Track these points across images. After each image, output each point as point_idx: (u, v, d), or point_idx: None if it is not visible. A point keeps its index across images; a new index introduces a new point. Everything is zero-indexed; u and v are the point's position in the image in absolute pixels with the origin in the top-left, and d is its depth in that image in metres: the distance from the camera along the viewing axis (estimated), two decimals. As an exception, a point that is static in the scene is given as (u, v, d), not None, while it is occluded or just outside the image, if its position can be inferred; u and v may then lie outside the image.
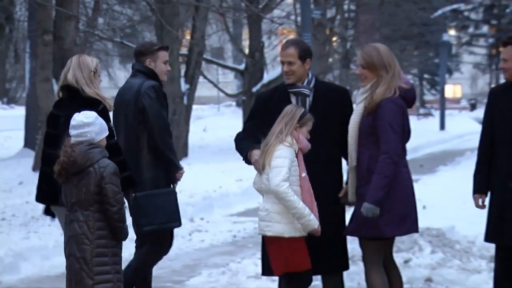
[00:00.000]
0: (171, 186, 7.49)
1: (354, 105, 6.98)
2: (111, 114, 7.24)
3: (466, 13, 45.22)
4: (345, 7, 33.19)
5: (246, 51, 27.95)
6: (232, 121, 35.73)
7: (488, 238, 6.95)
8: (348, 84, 31.98)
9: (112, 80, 39.88)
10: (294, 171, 6.66)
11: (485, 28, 45.65)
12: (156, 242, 7.51)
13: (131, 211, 7.40)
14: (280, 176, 6.54)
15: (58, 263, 9.59)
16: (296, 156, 6.69)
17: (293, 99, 6.96)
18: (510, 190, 6.69)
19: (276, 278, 8.97)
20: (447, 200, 12.12)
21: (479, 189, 6.93)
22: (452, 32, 45.93)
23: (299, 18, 25.84)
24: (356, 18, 31.87)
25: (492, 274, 8.66)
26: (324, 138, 6.89)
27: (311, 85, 6.99)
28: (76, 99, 6.96)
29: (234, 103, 52.04)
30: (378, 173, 6.58)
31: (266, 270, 7.05)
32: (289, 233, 6.62)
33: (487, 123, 6.91)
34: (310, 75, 7.02)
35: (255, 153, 6.75)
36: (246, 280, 9.62)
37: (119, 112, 7.53)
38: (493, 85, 27.32)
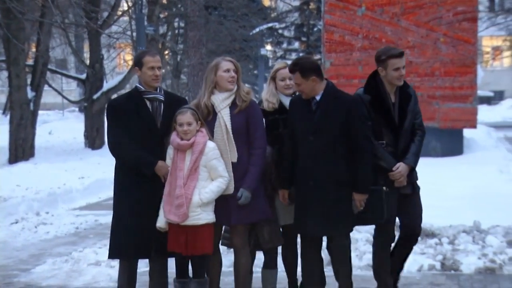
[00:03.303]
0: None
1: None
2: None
3: (280, 31, 46.08)
4: (175, 24, 33.20)
5: (87, 62, 27.55)
6: (75, 124, 35.10)
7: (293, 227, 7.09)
8: (179, 92, 32.03)
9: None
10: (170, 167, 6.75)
11: (296, 44, 46.58)
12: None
13: None
14: None
15: None
16: (177, 153, 6.71)
17: (149, 104, 6.87)
18: (311, 187, 6.78)
19: (114, 263, 8.91)
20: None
21: (283, 185, 7.04)
22: (268, 47, 46.55)
23: (134, 34, 25.65)
24: (185, 34, 31.83)
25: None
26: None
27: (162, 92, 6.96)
28: None
29: (77, 109, 51.13)
30: (256, 165, 6.78)
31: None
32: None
33: (289, 129, 6.98)
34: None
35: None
36: (87, 267, 9.52)
37: None
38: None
